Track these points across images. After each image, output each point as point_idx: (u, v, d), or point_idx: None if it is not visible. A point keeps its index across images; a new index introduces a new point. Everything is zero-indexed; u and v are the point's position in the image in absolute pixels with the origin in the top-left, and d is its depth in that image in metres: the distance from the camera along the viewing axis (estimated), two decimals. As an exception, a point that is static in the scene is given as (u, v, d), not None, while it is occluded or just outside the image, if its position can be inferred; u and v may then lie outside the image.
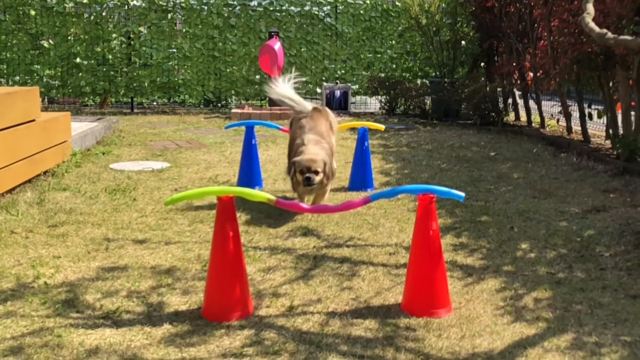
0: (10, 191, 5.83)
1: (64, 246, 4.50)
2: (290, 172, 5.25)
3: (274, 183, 6.73)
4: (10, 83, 13.23)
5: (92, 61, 13.57)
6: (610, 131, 8.35)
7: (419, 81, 13.96)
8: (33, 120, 6.46)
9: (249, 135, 6.57)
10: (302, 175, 5.08)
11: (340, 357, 3.01)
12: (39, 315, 3.40)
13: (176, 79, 14.01)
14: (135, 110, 13.76)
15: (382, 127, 6.88)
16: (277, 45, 12.16)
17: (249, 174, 6.51)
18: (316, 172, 5.05)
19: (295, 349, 3.09)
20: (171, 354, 3.02)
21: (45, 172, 6.61)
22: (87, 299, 3.62)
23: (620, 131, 7.90)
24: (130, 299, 3.64)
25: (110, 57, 13.62)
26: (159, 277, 3.98)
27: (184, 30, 13.91)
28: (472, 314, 3.52)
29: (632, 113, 7.70)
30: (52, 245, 4.51)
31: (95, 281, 3.88)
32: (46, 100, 13.92)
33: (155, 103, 14.91)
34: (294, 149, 5.38)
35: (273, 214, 5.45)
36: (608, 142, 8.59)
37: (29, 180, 6.26)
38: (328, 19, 14.29)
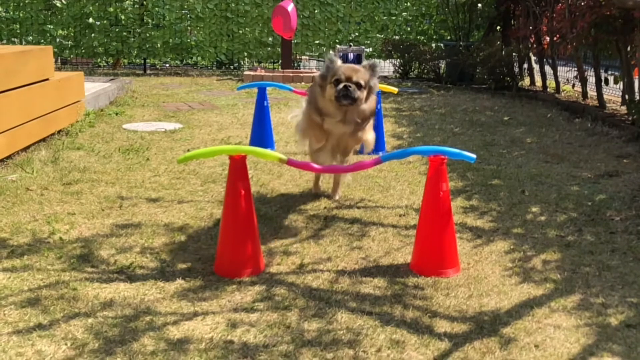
0: (25, 149, 5.90)
1: (78, 203, 4.57)
2: (315, 88, 4.13)
3: (285, 145, 6.74)
4: (23, 43, 13.24)
5: (105, 21, 13.53)
6: (626, 97, 8.25)
7: (433, 44, 13.79)
8: (47, 80, 6.48)
9: (261, 97, 6.57)
10: (336, 85, 3.87)
11: (349, 313, 3.06)
12: (54, 269, 3.48)
13: (189, 40, 13.94)
14: (148, 72, 13.75)
15: (395, 89, 6.84)
16: (290, 7, 12.02)
17: (261, 136, 6.53)
18: (358, 85, 3.88)
19: (305, 305, 3.14)
20: (184, 307, 3.08)
21: (59, 132, 6.67)
22: (102, 254, 3.69)
23: (637, 97, 7.80)
24: (143, 254, 3.71)
25: (122, 17, 13.56)
26: (172, 234, 4.04)
27: (196, -10, 13.78)
28: (480, 274, 3.56)
29: (650, 78, 7.59)
30: (67, 203, 4.57)
31: (109, 237, 3.95)
32: (59, 60, 13.93)
33: (167, 64, 14.88)
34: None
35: (284, 175, 5.48)
36: (624, 107, 8.49)
37: (44, 139, 6.32)
38: (342, -20, 14.08)
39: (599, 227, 4.29)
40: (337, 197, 4.78)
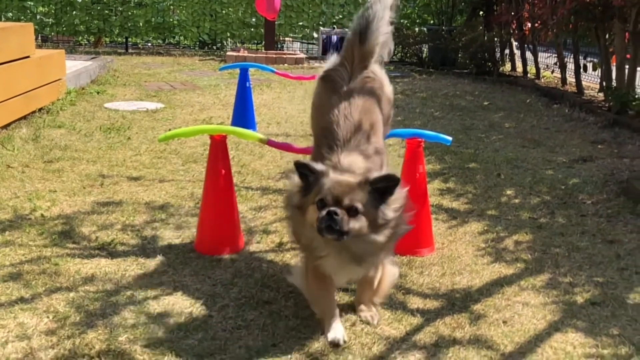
0: (5, 127, 5.89)
1: (59, 181, 4.59)
2: (294, 199, 2.78)
3: (267, 126, 6.79)
4: (3, 19, 13.05)
5: (86, -1, 13.38)
6: (604, 83, 8.39)
7: (416, 28, 13.83)
8: (28, 57, 6.45)
9: (243, 77, 6.59)
10: (320, 209, 2.56)
11: (325, 290, 3.14)
12: (36, 244, 3.52)
13: (171, 20, 13.84)
14: (130, 51, 13.65)
15: (376, 72, 6.89)
16: (274, -12, 11.98)
17: (243, 116, 6.56)
18: (351, 210, 2.55)
19: (283, 282, 3.22)
20: (164, 283, 3.15)
21: (40, 109, 6.65)
22: (83, 231, 3.74)
23: (614, 84, 7.94)
24: (124, 232, 3.76)
25: (104, -5, 13.41)
26: (153, 212, 4.09)
27: (179, -31, 13.66)
28: (454, 254, 3.66)
29: (627, 66, 7.72)
30: (48, 180, 4.60)
31: (90, 214, 4.00)
32: (40, 38, 13.76)
33: (149, 44, 14.77)
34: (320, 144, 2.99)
35: (265, 156, 5.54)
36: (601, 94, 8.63)
37: (24, 117, 6.31)
38: (327, -38, 14.03)
39: (570, 210, 4.42)
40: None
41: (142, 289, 3.08)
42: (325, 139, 2.91)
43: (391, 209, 2.63)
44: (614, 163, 5.65)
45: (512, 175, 5.21)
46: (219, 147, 3.52)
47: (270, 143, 3.58)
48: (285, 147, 3.76)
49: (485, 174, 5.23)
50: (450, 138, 3.61)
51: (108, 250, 3.50)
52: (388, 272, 2.96)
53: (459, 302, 3.08)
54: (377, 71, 3.29)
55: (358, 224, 2.55)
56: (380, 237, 2.63)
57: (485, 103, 8.65)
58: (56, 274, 3.18)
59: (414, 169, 3.61)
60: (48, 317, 2.78)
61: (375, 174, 2.62)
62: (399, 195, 2.67)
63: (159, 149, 5.56)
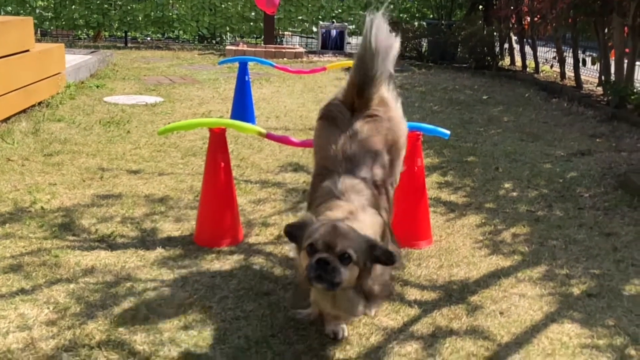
0: (5, 120, 5.90)
1: (59, 174, 4.61)
2: (295, 248, 2.57)
3: (266, 120, 6.80)
4: (2, 13, 13.04)
5: (86, -7, 13.36)
6: (603, 78, 8.40)
7: (416, 23, 13.83)
8: (27, 51, 6.45)
9: (243, 71, 6.60)
10: (310, 255, 2.33)
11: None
12: (36, 237, 3.54)
13: (170, 14, 13.82)
14: (129, 45, 13.64)
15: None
16: (273, -18, 11.97)
17: (242, 110, 6.57)
18: (344, 257, 2.29)
19: (282, 274, 3.25)
20: (164, 274, 3.17)
21: (39, 103, 6.65)
22: (83, 224, 3.75)
23: (613, 78, 7.95)
24: (124, 224, 3.78)
25: (103, -11, 13.40)
26: (153, 205, 4.11)
27: (179, -37, 13.65)
28: (452, 246, 3.69)
29: (626, 60, 7.73)
30: (48, 173, 4.62)
31: (90, 207, 4.02)
32: (39, 32, 13.75)
33: (149, 38, 14.76)
34: (314, 197, 2.77)
35: (264, 150, 5.55)
36: (600, 88, 8.65)
37: (24, 111, 6.32)
38: (326, -44, 14.01)
39: (568, 203, 4.44)
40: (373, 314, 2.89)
41: (141, 280, 3.10)
42: (323, 174, 2.76)
43: (378, 271, 2.44)
44: (612, 157, 5.67)
45: (510, 169, 5.23)
46: (218, 140, 3.53)
47: (269, 136, 3.59)
48: (284, 140, 3.77)
49: (484, 168, 5.25)
50: (448, 132, 3.63)
51: (108, 243, 3.52)
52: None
53: (456, 293, 3.11)
54: (385, 104, 2.98)
55: (349, 273, 2.29)
56: (358, 296, 2.42)
57: (484, 97, 8.67)
58: (56, 266, 3.20)
59: (413, 162, 3.63)
60: (48, 308, 2.80)
61: (378, 242, 2.39)
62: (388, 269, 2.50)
63: (159, 143, 5.58)
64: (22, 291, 2.93)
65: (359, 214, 2.50)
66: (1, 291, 2.93)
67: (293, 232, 2.47)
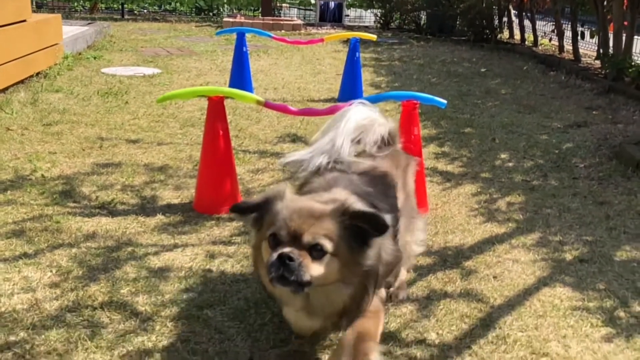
0: (3, 91, 5.90)
1: (59, 143, 4.64)
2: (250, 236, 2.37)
3: (264, 92, 6.81)
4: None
5: (81, -36, 13.23)
6: (601, 51, 8.39)
7: (414, -5, 13.72)
8: (24, 21, 6.43)
9: (240, 42, 6.59)
10: (272, 249, 1.93)
11: (321, 247, 3.22)
12: (37, 203, 3.58)
13: (167, -14, 13.70)
14: (126, 17, 13.54)
15: (374, 37, 6.91)
16: (271, -47, 11.87)
17: (240, 82, 6.58)
18: (315, 249, 1.90)
19: (280, 240, 3.30)
20: (164, 240, 3.23)
21: (37, 74, 6.65)
22: (83, 191, 3.80)
23: (611, 51, 7.95)
24: (124, 192, 3.83)
25: (99, -40, 13.27)
26: (152, 173, 4.15)
27: None
28: (447, 214, 3.74)
29: (624, 33, 7.72)
30: (48, 142, 4.64)
31: (90, 175, 4.05)
32: (34, 4, 13.63)
33: (145, 10, 14.64)
34: None
35: (263, 121, 5.58)
36: (598, 62, 8.64)
37: (22, 81, 6.31)
38: None
39: (563, 173, 4.49)
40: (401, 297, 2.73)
41: (142, 245, 3.15)
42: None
43: (372, 251, 1.97)
44: (608, 128, 5.71)
45: (507, 140, 5.27)
46: (216, 108, 3.56)
47: (267, 105, 3.62)
48: (282, 109, 3.80)
49: (480, 139, 5.28)
50: (445, 101, 3.66)
51: (108, 209, 3.57)
52: (370, 328, 2.11)
53: (450, 258, 3.17)
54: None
55: (324, 269, 1.88)
56: (349, 289, 1.96)
57: (483, 70, 8.66)
58: (58, 231, 3.25)
59: (409, 131, 3.66)
60: (51, 271, 2.86)
61: (359, 205, 1.97)
62: (386, 241, 2.05)
63: (157, 113, 5.60)
64: (25, 255, 2.98)
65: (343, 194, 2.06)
66: (4, 255, 2.98)
67: (249, 209, 2.00)
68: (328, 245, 1.88)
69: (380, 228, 1.93)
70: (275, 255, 1.87)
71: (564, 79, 8.03)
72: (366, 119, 2.55)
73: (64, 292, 2.69)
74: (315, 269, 1.87)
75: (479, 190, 4.14)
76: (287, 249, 1.86)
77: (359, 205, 1.99)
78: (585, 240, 3.42)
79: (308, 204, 1.97)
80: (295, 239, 1.88)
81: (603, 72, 8.02)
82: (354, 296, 1.98)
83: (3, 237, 3.15)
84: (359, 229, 1.92)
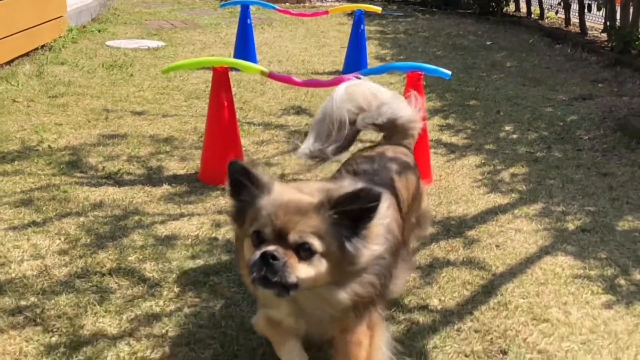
0: (9, 63, 5.91)
1: (64, 115, 4.67)
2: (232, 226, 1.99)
3: (269, 65, 6.79)
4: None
5: (84, -64, 13.11)
6: (608, 23, 8.32)
7: (420, -32, 13.57)
8: (28, -7, 6.40)
9: (244, 14, 6.56)
10: (255, 246, 1.74)
11: (325, 217, 3.26)
12: (45, 173, 3.62)
13: (171, -42, 13.58)
14: (130, -10, 13.45)
15: (378, 9, 6.86)
16: None
17: (244, 55, 6.55)
18: (303, 248, 1.70)
19: (285, 210, 3.33)
20: (170, 209, 3.27)
21: (42, 47, 6.64)
22: (90, 161, 3.83)
23: (618, 24, 7.88)
24: (130, 162, 3.86)
25: None
26: (158, 144, 4.18)
27: None
28: (451, 185, 3.77)
29: (632, 5, 7.64)
30: (54, 114, 4.67)
31: (96, 146, 4.09)
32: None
33: (149, -17, 14.53)
34: None
35: (267, 93, 5.58)
36: (604, 34, 8.57)
37: (27, 54, 6.32)
38: None
39: (567, 145, 4.50)
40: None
41: (149, 214, 3.20)
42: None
43: (367, 246, 1.75)
44: (613, 101, 5.69)
45: (512, 112, 5.27)
46: (221, 79, 3.57)
47: (271, 75, 3.63)
48: (286, 80, 3.80)
49: (485, 111, 5.28)
50: (449, 72, 3.65)
51: (115, 179, 3.60)
52: (375, 341, 1.96)
53: (454, 228, 3.20)
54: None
55: (313, 270, 1.71)
56: (346, 293, 1.77)
57: (488, 43, 8.61)
58: (66, 201, 3.29)
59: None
60: (60, 239, 2.90)
61: (342, 190, 1.74)
62: (381, 222, 1.78)
63: (162, 86, 5.60)
64: (34, 223, 3.03)
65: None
66: (14, 223, 3.03)
67: (246, 174, 1.79)
68: (317, 244, 1.69)
69: (372, 196, 1.70)
70: (257, 254, 1.68)
71: (570, 52, 7.97)
72: (360, 86, 2.48)
73: (73, 259, 2.74)
74: (302, 270, 1.69)
75: (482, 161, 4.15)
76: (270, 247, 1.67)
77: (341, 189, 1.75)
78: (587, 210, 3.45)
79: (295, 198, 1.76)
80: (280, 237, 1.69)
81: (609, 45, 7.95)
82: (346, 301, 1.78)
83: (12, 206, 3.20)
84: (351, 222, 1.71)
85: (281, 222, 1.70)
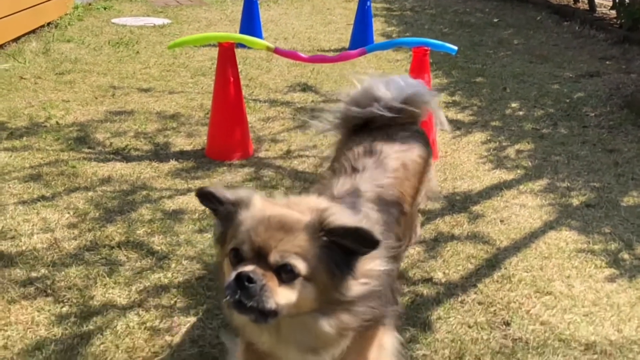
0: (15, 40, 5.92)
1: (72, 92, 4.69)
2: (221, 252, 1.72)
3: (274, 42, 6.75)
4: None
5: None
6: (617, 0, 8.23)
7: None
8: (33, -30, 6.39)
9: (251, -9, 6.53)
10: (233, 264, 1.57)
11: (331, 192, 3.29)
12: (53, 149, 3.65)
13: None
14: (135, -32, 13.38)
15: (385, -14, 6.81)
16: None
17: (250, 32, 6.50)
18: (285, 270, 1.53)
19: (291, 185, 3.37)
20: (177, 184, 3.30)
21: (48, 24, 6.64)
22: (97, 137, 3.86)
23: (627, 0, 7.80)
24: (137, 138, 3.89)
25: None
26: (164, 121, 4.20)
27: None
28: (457, 161, 3.78)
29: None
30: (61, 91, 4.69)
31: (103, 122, 4.11)
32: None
33: (154, -40, 14.46)
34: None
35: (273, 70, 5.58)
36: (613, 11, 8.49)
37: (33, 31, 6.32)
38: None
39: (573, 122, 4.49)
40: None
41: (157, 189, 3.23)
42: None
43: (358, 281, 1.60)
44: (621, 78, 5.66)
45: (518, 89, 5.25)
46: (227, 54, 3.58)
47: (277, 51, 3.63)
48: (292, 55, 3.81)
49: (491, 88, 5.27)
50: (455, 47, 3.64)
51: (122, 155, 3.63)
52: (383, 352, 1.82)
53: (458, 203, 3.22)
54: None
55: (295, 295, 1.53)
56: (332, 324, 1.60)
57: (495, 20, 8.54)
58: (74, 176, 3.33)
59: (420, 77, 3.66)
60: (69, 213, 2.94)
61: (338, 216, 1.58)
62: (376, 261, 1.65)
63: (168, 63, 5.61)
64: (43, 198, 3.07)
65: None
66: (23, 198, 3.07)
67: (217, 199, 1.64)
68: (300, 267, 1.51)
69: (371, 239, 1.53)
70: (232, 274, 1.50)
71: (578, 29, 7.91)
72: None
73: (82, 232, 2.78)
74: (283, 295, 1.50)
75: (488, 138, 4.16)
76: (247, 268, 1.49)
77: (341, 217, 1.58)
78: (592, 186, 3.46)
79: (279, 213, 1.58)
80: (260, 256, 1.52)
81: (618, 22, 7.88)
82: (338, 332, 1.61)
83: (21, 181, 3.23)
84: (344, 249, 1.55)
85: (262, 239, 1.52)
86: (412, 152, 2.22)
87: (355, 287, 1.58)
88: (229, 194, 1.65)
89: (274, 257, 1.51)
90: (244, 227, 1.56)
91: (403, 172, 2.13)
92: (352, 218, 1.65)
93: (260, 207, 1.61)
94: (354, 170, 2.06)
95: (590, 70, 5.91)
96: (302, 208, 1.62)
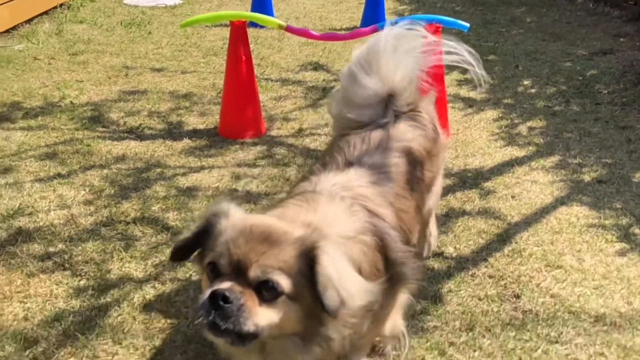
0: (28, 22, 5.96)
1: (85, 72, 4.73)
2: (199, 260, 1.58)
3: (285, 22, 6.72)
4: None
5: None
6: (632, -24, 8.12)
7: None
8: (45, -49, 6.41)
9: (262, -30, 6.51)
10: (210, 280, 1.46)
11: (343, 169, 3.31)
12: (68, 128, 3.70)
13: None
14: (145, -52, 13.36)
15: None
16: None
17: (261, 11, 6.50)
18: (266, 286, 1.40)
19: (303, 162, 3.39)
20: (191, 162, 3.34)
21: (61, 5, 6.67)
22: (111, 117, 3.90)
23: (642, -24, 7.69)
24: (151, 117, 3.92)
25: None
26: (177, 100, 4.23)
27: None
28: (468, 138, 3.78)
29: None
30: (74, 71, 4.73)
31: (117, 102, 4.15)
32: None
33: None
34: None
35: (284, 50, 5.58)
36: (628, -12, 8.38)
37: (46, 12, 6.35)
38: None
39: (585, 99, 4.47)
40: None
41: (171, 167, 3.27)
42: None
43: (347, 303, 1.44)
44: (635, 55, 5.61)
45: (530, 67, 5.22)
46: (239, 33, 3.59)
47: (289, 29, 3.64)
48: (304, 33, 3.81)
49: (504, 66, 5.25)
50: (467, 24, 3.63)
51: (136, 134, 3.67)
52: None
53: (470, 180, 3.24)
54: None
55: (277, 316, 1.40)
56: (316, 350, 1.48)
57: (508, -2, 8.46)
58: (89, 154, 3.37)
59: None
60: (85, 190, 2.99)
61: (328, 247, 1.43)
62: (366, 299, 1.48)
63: (180, 43, 5.63)
64: (59, 175, 3.12)
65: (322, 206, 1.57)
66: (39, 175, 3.12)
67: (187, 247, 1.54)
68: (284, 284, 1.38)
69: (333, 308, 1.38)
70: (207, 292, 1.37)
71: (592, 7, 7.81)
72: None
73: (98, 208, 2.83)
74: (264, 316, 1.37)
75: (500, 115, 4.15)
76: (223, 285, 1.36)
77: (328, 247, 1.42)
78: (604, 162, 3.46)
79: (263, 223, 1.45)
80: (239, 272, 1.38)
81: (633, -1, 7.79)
82: (317, 356, 1.48)
83: (37, 159, 3.29)
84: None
85: (241, 251, 1.38)
86: (415, 141, 2.06)
87: (336, 326, 1.44)
88: (195, 229, 1.52)
89: (254, 272, 1.37)
90: (222, 238, 1.42)
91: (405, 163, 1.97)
92: (340, 265, 1.43)
93: (241, 217, 1.49)
94: (349, 162, 1.86)
95: (604, 48, 5.85)
96: (294, 220, 1.49)
